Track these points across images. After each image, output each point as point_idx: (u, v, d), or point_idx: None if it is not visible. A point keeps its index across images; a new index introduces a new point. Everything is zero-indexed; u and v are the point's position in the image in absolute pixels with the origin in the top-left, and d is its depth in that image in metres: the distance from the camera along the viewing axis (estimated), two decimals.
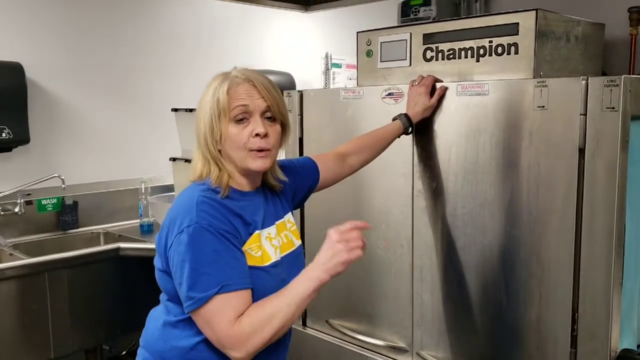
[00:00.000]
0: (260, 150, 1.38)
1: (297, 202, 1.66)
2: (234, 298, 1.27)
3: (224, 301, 1.26)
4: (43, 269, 2.60)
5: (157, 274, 1.43)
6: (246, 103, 1.37)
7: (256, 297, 1.32)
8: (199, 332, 1.34)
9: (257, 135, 1.36)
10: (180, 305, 1.34)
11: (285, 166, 1.60)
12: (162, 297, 1.49)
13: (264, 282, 1.36)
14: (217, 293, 1.25)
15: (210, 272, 1.27)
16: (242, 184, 1.44)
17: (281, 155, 1.54)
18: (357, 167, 1.80)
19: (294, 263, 1.49)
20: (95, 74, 3.36)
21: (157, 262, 1.42)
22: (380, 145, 1.82)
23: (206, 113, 1.38)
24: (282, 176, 1.54)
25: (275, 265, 1.42)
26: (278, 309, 1.26)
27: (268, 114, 1.40)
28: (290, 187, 1.59)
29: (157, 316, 1.48)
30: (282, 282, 1.38)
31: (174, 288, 1.35)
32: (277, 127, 1.42)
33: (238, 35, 3.99)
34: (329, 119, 2.16)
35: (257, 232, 1.40)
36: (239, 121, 1.37)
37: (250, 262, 1.36)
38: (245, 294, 1.29)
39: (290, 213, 1.58)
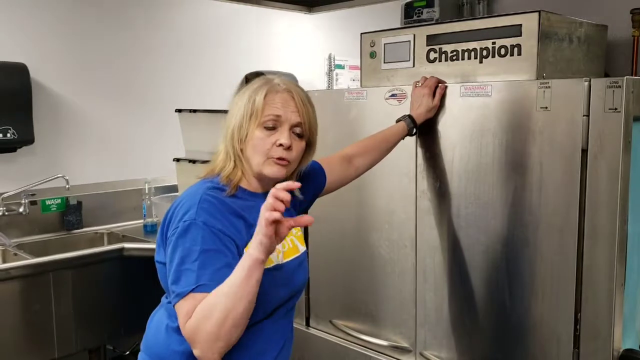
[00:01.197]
0: (279, 159, 1.38)
1: (304, 207, 1.66)
2: (202, 300, 1.24)
3: (195, 301, 1.24)
4: (47, 269, 2.61)
5: (159, 269, 1.42)
6: (279, 113, 1.38)
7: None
8: None
9: (280, 145, 1.37)
10: None
11: None
12: (164, 299, 1.49)
13: (262, 284, 1.35)
14: (191, 291, 1.25)
15: (193, 269, 1.26)
16: (254, 185, 1.44)
17: None
18: (363, 169, 1.79)
19: (297, 269, 1.49)
20: (99, 74, 3.37)
21: (159, 256, 1.41)
22: (385, 146, 1.82)
23: (239, 110, 1.40)
24: (297, 193, 1.49)
25: (276, 268, 1.41)
26: (215, 301, 1.20)
27: (297, 130, 1.41)
28: (296, 192, 1.58)
29: (158, 320, 1.48)
30: (283, 287, 1.39)
31: None
32: (302, 144, 1.43)
33: (241, 36, 4.00)
34: (333, 120, 2.17)
35: None
36: (268, 128, 1.38)
37: None
38: None
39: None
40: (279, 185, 1.18)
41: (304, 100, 1.42)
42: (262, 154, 1.38)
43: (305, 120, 1.41)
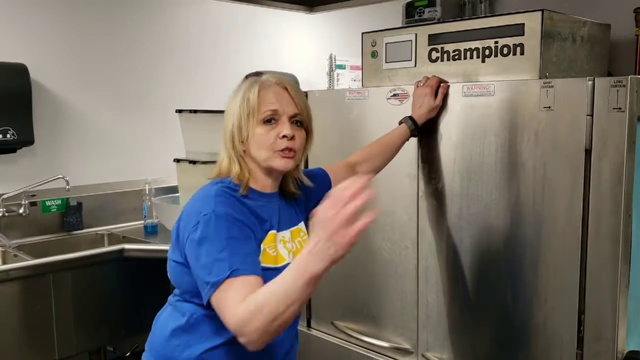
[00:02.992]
0: (285, 150, 1.40)
1: (309, 213, 1.65)
2: (241, 283, 1.22)
3: (231, 285, 1.22)
4: (47, 270, 2.60)
5: (171, 267, 1.42)
6: (276, 108, 1.40)
7: None
8: (209, 339, 1.35)
9: (284, 137, 1.39)
10: (194, 303, 1.35)
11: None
12: (172, 298, 1.48)
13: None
14: (227, 277, 1.23)
15: (223, 257, 1.25)
16: (262, 184, 1.45)
17: None
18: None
19: None
20: (99, 75, 3.36)
21: (174, 255, 1.41)
22: (389, 151, 1.83)
23: (235, 112, 1.42)
24: (307, 182, 1.56)
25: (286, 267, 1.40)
26: (267, 300, 1.15)
27: (296, 119, 1.43)
28: (303, 196, 1.60)
29: (164, 320, 1.47)
30: None
31: (189, 281, 1.34)
32: (303, 133, 1.46)
33: (242, 36, 4.00)
34: (334, 120, 2.16)
35: (273, 231, 1.42)
36: (267, 122, 1.40)
37: (265, 262, 1.36)
38: (254, 280, 1.23)
39: (302, 222, 1.59)
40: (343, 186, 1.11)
41: (297, 91, 1.45)
42: (267, 149, 1.40)
43: (302, 110, 1.44)
